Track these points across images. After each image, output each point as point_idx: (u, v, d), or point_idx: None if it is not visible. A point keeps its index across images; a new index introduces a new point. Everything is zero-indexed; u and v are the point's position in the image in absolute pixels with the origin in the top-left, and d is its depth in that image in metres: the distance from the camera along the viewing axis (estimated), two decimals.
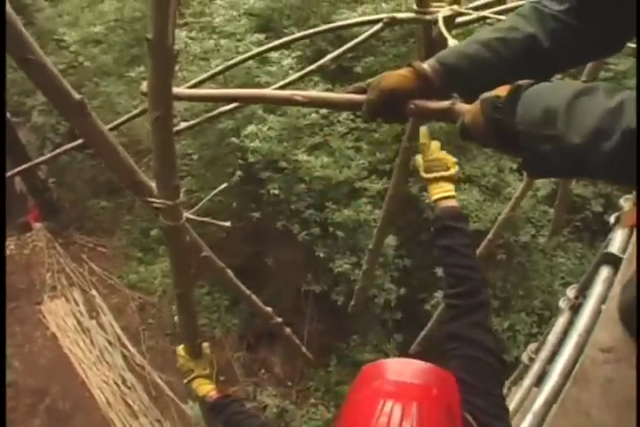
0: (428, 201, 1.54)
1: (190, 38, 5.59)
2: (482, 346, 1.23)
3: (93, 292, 7.01)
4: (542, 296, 5.94)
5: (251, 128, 4.69)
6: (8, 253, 7.67)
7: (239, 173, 4.79)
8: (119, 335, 6.53)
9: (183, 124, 2.18)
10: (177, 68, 5.57)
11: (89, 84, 6.95)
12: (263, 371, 5.88)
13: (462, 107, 0.99)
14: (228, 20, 5.65)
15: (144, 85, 1.26)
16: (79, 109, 1.08)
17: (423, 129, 1.54)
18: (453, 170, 1.49)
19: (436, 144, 1.51)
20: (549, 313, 5.60)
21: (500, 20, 1.85)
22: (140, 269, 6.78)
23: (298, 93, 1.15)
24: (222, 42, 5.38)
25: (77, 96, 1.06)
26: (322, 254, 4.73)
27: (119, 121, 2.02)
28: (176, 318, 1.65)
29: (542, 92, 0.85)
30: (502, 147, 0.95)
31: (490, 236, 2.99)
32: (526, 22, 1.05)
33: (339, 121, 4.87)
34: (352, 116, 4.95)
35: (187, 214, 1.45)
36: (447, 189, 1.50)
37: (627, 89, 0.78)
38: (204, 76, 2.13)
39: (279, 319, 2.02)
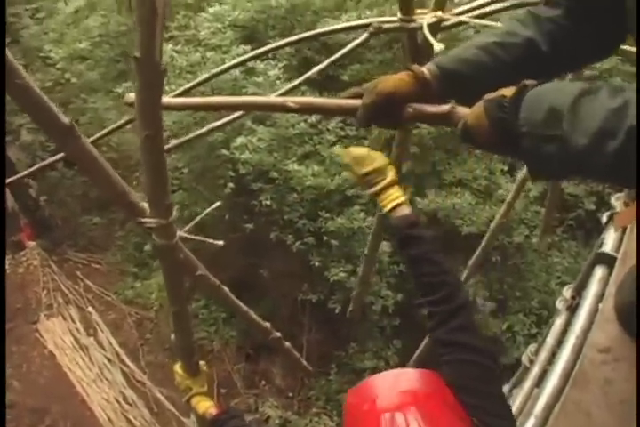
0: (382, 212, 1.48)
1: (176, 52, 5.60)
2: (470, 348, 1.21)
3: (90, 309, 6.95)
4: (539, 296, 5.96)
5: (240, 140, 4.68)
6: None
7: (231, 184, 4.78)
8: (118, 352, 6.48)
9: (173, 142, 2.17)
10: (164, 81, 5.57)
11: (76, 100, 6.94)
12: (264, 382, 5.85)
13: (463, 110, 0.98)
14: (213, 32, 5.66)
15: (129, 96, 1.25)
16: (69, 133, 1.05)
17: (340, 150, 1.49)
18: (392, 173, 1.44)
19: (358, 155, 1.40)
20: (547, 313, 5.61)
21: (484, 26, 1.87)
22: (136, 285, 6.75)
23: (290, 100, 1.15)
24: (208, 54, 5.39)
25: (66, 119, 1.05)
26: (317, 264, 4.72)
27: (103, 132, 2.00)
28: (172, 335, 1.64)
29: (546, 93, 0.85)
30: (506, 149, 0.93)
31: (483, 243, 2.99)
32: (523, 26, 1.05)
33: (328, 129, 4.88)
34: (341, 124, 4.96)
35: (180, 233, 1.42)
36: (396, 195, 1.42)
37: (630, 88, 0.78)
38: (190, 84, 2.12)
39: (278, 334, 1.99)
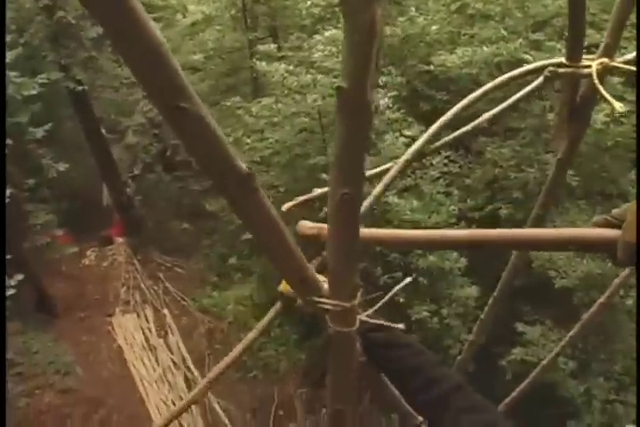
0: None
1: (287, 72, 5.67)
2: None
3: (165, 311, 7.11)
4: (623, 361, 5.60)
5: None
6: (87, 263, 7.94)
7: (325, 209, 4.76)
8: (184, 357, 6.56)
9: None
10: (273, 100, 5.67)
11: None
12: (324, 411, 5.73)
13: None
14: (326, 55, 5.70)
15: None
16: (245, 184, 0.80)
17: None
18: None
19: None
20: (629, 379, 5.27)
21: None
22: (214, 294, 6.83)
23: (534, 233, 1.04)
24: (319, 77, 5.42)
25: (244, 167, 0.78)
26: (401, 300, 4.60)
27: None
28: None
29: None
30: None
31: (602, 299, 2.76)
32: None
33: (432, 164, 4.79)
34: (445, 161, 4.87)
35: (361, 317, 1.14)
36: None
37: None
38: None
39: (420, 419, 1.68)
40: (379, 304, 1.20)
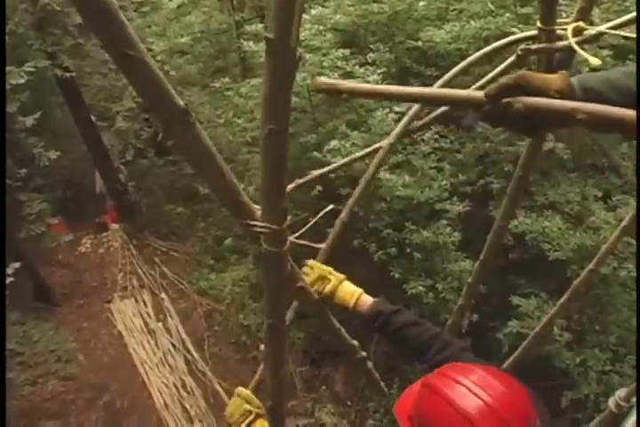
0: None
1: None
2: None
3: (163, 295, 7.16)
4: (619, 332, 5.65)
5: (334, 143, 4.67)
6: (83, 250, 7.97)
7: (318, 187, 4.78)
8: (184, 340, 6.62)
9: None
10: (262, 80, 5.64)
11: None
12: (324, 388, 5.81)
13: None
14: (314, 34, 5.67)
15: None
16: (183, 118, 0.94)
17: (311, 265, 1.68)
18: (335, 276, 1.64)
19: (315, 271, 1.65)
20: (624, 350, 5.32)
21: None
22: (211, 277, 6.87)
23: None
24: (307, 56, 5.40)
25: (182, 103, 0.92)
26: (397, 275, 4.64)
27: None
28: (262, 347, 1.57)
29: None
30: None
31: (591, 266, 2.81)
32: None
33: (423, 140, 4.80)
34: (436, 136, 4.87)
35: (291, 238, 1.27)
36: (350, 292, 1.62)
37: None
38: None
39: (364, 354, 1.92)
40: (306, 227, 1.37)
